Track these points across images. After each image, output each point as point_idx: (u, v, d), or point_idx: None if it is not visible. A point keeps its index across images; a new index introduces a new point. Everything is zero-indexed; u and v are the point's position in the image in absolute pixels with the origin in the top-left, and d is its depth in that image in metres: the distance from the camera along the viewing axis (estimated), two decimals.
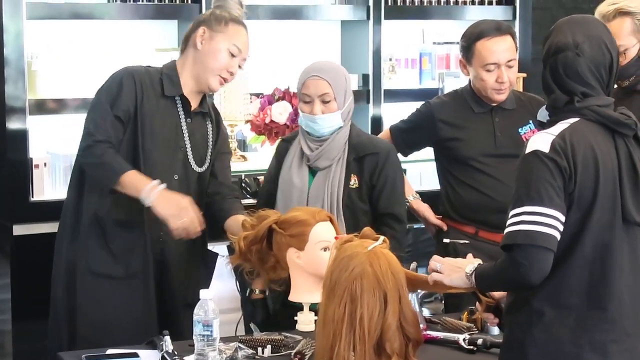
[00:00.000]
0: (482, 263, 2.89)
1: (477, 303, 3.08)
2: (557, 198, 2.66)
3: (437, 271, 3.01)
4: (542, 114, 2.82)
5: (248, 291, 3.84)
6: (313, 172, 3.82)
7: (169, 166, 3.69)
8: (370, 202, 3.81)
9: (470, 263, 2.92)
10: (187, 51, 3.78)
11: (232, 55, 3.71)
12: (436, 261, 3.03)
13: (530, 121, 4.22)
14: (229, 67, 3.71)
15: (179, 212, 3.53)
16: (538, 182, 2.67)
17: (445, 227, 4.22)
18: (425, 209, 4.31)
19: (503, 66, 4.10)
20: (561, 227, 2.66)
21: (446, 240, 4.18)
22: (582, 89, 2.76)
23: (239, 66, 3.75)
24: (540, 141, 2.71)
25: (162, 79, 3.73)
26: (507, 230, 2.70)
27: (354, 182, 3.81)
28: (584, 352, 2.69)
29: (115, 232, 3.63)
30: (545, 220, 2.65)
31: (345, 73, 3.87)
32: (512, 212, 2.70)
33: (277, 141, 4.12)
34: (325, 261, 3.41)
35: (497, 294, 3.02)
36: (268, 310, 3.75)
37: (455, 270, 2.95)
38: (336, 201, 3.74)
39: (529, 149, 2.73)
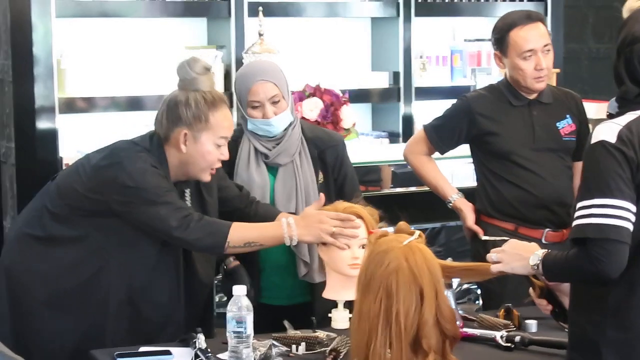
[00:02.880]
0: (546, 251, 2.82)
1: (531, 289, 3.02)
2: (626, 189, 2.59)
3: (495, 262, 2.94)
4: (612, 106, 2.76)
5: (224, 265, 3.71)
6: (271, 168, 3.77)
7: None
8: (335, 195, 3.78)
9: (533, 253, 2.84)
10: (168, 148, 3.42)
11: (221, 145, 3.44)
12: (496, 251, 2.96)
13: (568, 115, 4.15)
14: (220, 157, 3.45)
15: (321, 231, 3.39)
16: (606, 173, 2.60)
17: (482, 234, 4.13)
18: (468, 210, 4.21)
19: (540, 52, 4.05)
20: (633, 218, 2.59)
21: (484, 238, 4.11)
22: None
23: None
24: (607, 131, 2.64)
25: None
26: (576, 222, 2.63)
27: (320, 177, 3.79)
28: None
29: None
30: (616, 213, 2.58)
31: (280, 67, 3.81)
32: (580, 204, 2.63)
33: None
34: (343, 259, 3.39)
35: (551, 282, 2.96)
36: (245, 280, 3.64)
37: (517, 259, 2.88)
38: (311, 197, 3.70)
39: (594, 139, 2.65)
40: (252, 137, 3.75)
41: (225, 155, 3.45)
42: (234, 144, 3.65)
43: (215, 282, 3.88)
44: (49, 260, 3.42)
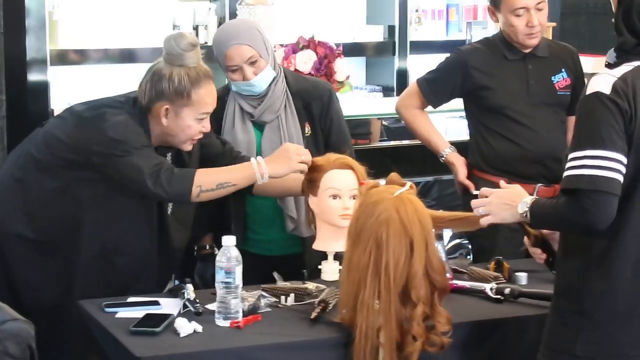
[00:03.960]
0: (534, 199, 2.80)
1: (525, 237, 3.00)
2: (619, 140, 2.57)
3: (484, 215, 2.91)
4: (611, 56, 2.75)
5: (196, 248, 3.80)
6: (258, 126, 3.74)
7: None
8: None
9: (521, 201, 2.81)
10: (150, 117, 3.40)
11: (203, 119, 3.43)
12: (483, 196, 2.92)
13: (563, 69, 4.12)
14: (201, 130, 3.44)
15: (290, 160, 3.42)
16: (600, 124, 2.58)
17: (473, 189, 4.10)
18: (460, 164, 4.18)
19: (532, 9, 4.01)
20: (624, 170, 2.58)
21: (476, 192, 4.08)
22: None
23: None
24: (602, 82, 2.62)
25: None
26: (567, 173, 2.61)
27: (308, 130, 3.76)
28: None
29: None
30: (608, 164, 2.56)
31: (256, 25, 3.76)
32: (572, 155, 2.61)
33: None
34: (333, 209, 3.38)
35: (545, 230, 2.95)
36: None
37: (505, 208, 2.85)
38: None
39: (589, 90, 2.64)
40: (237, 96, 3.73)
41: (207, 127, 3.45)
42: (220, 102, 3.62)
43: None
44: (27, 203, 3.44)
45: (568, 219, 2.63)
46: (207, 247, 3.79)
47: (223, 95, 3.69)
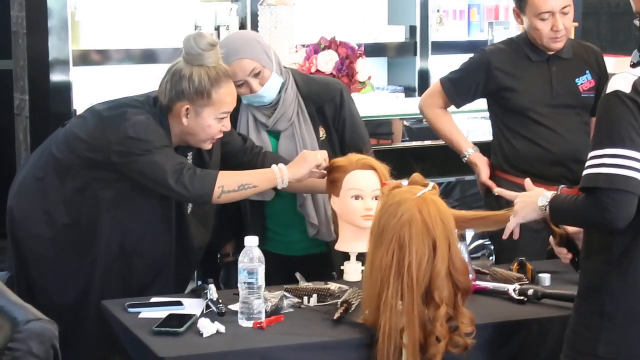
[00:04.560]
0: (554, 194, 2.80)
1: (551, 236, 2.99)
2: (638, 139, 2.56)
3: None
4: (635, 55, 2.74)
5: (220, 255, 3.84)
6: (273, 134, 3.74)
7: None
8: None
9: (541, 195, 2.82)
10: (170, 117, 3.42)
11: (223, 118, 3.44)
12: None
13: (587, 71, 4.10)
14: (222, 129, 3.45)
15: (308, 166, 3.46)
16: (619, 123, 2.57)
17: (495, 189, 4.09)
18: (483, 165, 4.16)
19: (558, 14, 3.98)
20: None
21: (498, 192, 4.07)
22: None
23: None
24: (622, 81, 2.62)
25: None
26: (586, 172, 2.61)
27: (322, 133, 3.75)
28: None
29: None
30: (627, 163, 2.55)
31: (253, 36, 3.78)
32: (592, 154, 2.61)
33: None
34: (355, 210, 3.37)
35: (571, 229, 2.94)
36: None
37: (526, 205, 2.88)
38: None
39: (609, 88, 2.63)
40: (249, 107, 3.72)
41: (227, 126, 3.45)
42: (233, 112, 3.62)
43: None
44: (47, 203, 3.46)
45: (587, 216, 2.63)
46: (230, 254, 3.80)
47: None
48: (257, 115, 3.72)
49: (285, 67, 3.78)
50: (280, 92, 3.67)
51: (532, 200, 2.86)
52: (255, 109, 3.72)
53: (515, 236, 3.01)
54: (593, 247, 2.70)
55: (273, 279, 3.19)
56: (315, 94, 3.76)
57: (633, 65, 2.72)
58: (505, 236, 3.02)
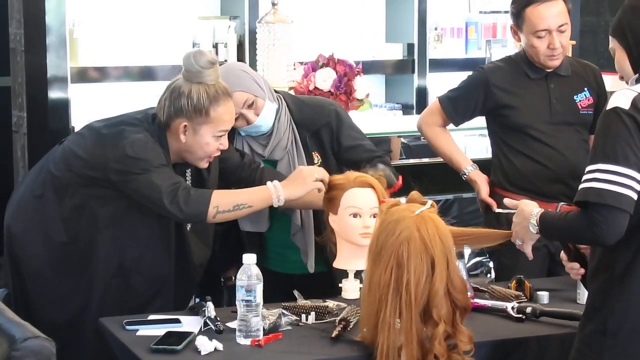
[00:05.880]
0: (542, 210, 2.80)
1: (562, 252, 2.99)
2: (633, 157, 2.56)
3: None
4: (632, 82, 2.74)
5: (223, 280, 3.86)
6: (269, 164, 3.73)
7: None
8: (338, 164, 3.74)
9: (530, 211, 2.83)
10: (168, 134, 3.42)
11: (221, 136, 3.44)
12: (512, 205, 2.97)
13: (586, 88, 4.10)
14: (219, 147, 3.45)
15: (305, 181, 3.44)
16: (615, 140, 2.58)
17: (495, 207, 4.09)
18: (482, 182, 4.16)
19: (554, 32, 3.99)
20: (638, 187, 2.57)
21: (498, 211, 4.07)
22: None
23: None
24: (621, 98, 2.62)
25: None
26: (580, 186, 2.61)
27: (317, 159, 3.74)
28: None
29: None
30: (619, 179, 2.55)
31: (240, 67, 3.76)
32: (587, 168, 2.62)
33: None
34: (353, 228, 3.37)
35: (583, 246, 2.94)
36: None
37: (521, 228, 2.88)
38: None
39: (610, 105, 2.63)
40: (245, 137, 3.72)
41: (224, 145, 3.45)
42: (228, 136, 3.60)
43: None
44: (45, 220, 3.46)
45: (577, 230, 2.64)
46: (233, 278, 3.77)
47: (231, 132, 3.61)
48: (253, 145, 3.72)
49: (276, 92, 3.77)
50: (274, 119, 3.67)
51: (523, 224, 2.86)
52: (250, 139, 3.72)
53: (529, 257, 3.00)
54: (597, 266, 2.70)
55: (273, 297, 3.18)
56: (309, 119, 3.75)
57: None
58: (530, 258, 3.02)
